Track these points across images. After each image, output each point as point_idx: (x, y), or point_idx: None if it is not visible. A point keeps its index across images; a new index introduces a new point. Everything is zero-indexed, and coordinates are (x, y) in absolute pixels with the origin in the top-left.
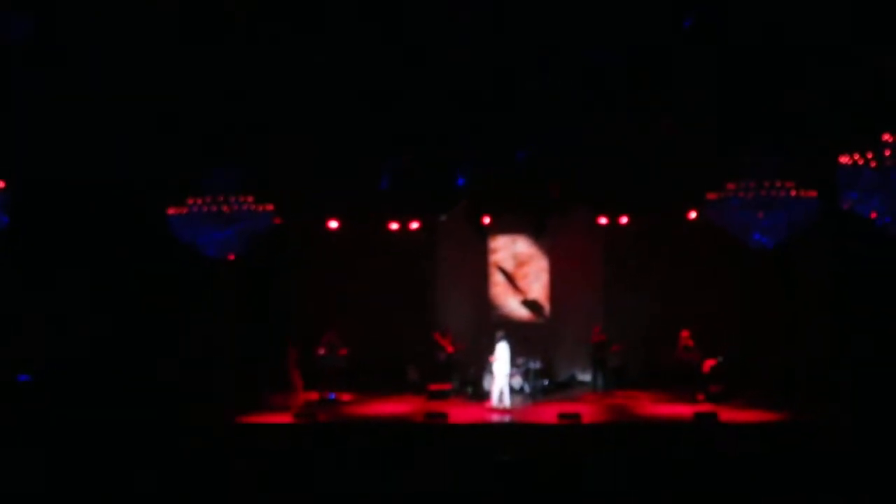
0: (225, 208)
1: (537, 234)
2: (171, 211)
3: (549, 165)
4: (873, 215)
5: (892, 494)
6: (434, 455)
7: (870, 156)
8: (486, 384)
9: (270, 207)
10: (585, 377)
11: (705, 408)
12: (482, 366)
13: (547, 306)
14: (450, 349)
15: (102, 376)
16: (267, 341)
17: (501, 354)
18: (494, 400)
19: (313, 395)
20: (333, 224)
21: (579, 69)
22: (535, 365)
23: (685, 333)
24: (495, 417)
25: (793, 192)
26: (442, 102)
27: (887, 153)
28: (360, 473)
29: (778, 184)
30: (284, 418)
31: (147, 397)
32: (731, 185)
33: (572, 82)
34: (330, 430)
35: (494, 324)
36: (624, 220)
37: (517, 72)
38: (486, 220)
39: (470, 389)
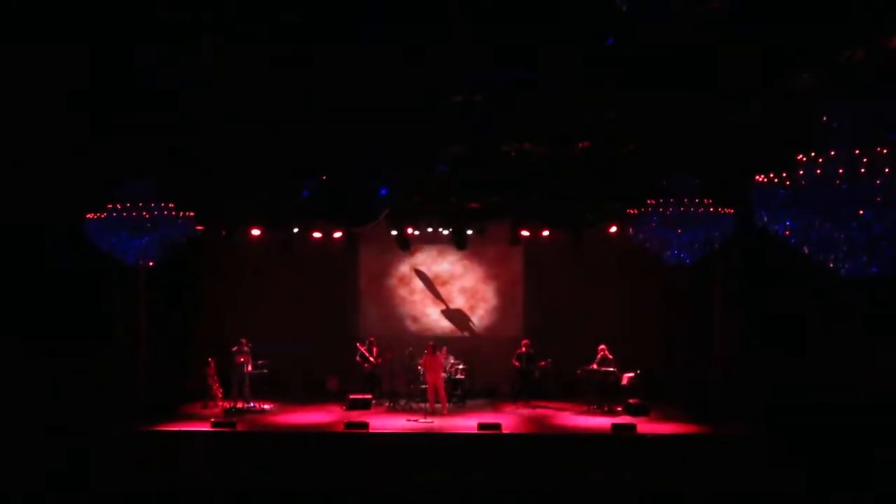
0: (145, 214)
1: (459, 245)
2: (89, 216)
3: (471, 178)
4: (786, 233)
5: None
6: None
7: (784, 175)
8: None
9: (191, 214)
10: (504, 388)
11: (623, 419)
12: (407, 376)
13: (468, 317)
14: (374, 360)
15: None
16: (186, 350)
17: (436, 361)
18: (433, 403)
19: (232, 404)
20: (256, 232)
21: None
22: (455, 374)
23: (603, 347)
24: (416, 427)
25: (710, 210)
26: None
27: (800, 172)
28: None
29: (696, 201)
30: (203, 426)
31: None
32: (651, 202)
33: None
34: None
35: (418, 334)
36: (545, 233)
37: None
38: (409, 230)
39: (402, 400)
